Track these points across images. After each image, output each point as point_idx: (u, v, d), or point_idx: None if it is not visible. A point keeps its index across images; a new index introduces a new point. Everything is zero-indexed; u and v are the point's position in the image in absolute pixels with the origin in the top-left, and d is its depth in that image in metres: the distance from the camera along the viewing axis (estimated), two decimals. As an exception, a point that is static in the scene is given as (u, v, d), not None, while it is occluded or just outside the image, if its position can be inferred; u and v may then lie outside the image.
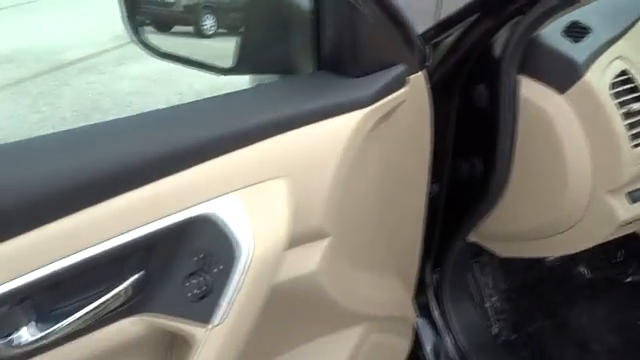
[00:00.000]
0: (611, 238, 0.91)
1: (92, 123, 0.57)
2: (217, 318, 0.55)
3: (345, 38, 0.64)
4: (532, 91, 0.81)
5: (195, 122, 0.59)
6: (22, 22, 5.16)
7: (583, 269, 1.29)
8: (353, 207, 0.71)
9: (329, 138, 0.62)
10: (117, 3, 0.72)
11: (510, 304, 1.25)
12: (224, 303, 0.55)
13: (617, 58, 0.83)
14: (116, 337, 0.56)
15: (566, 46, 0.79)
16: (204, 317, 0.55)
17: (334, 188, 0.64)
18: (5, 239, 0.45)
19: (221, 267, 0.55)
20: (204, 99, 0.63)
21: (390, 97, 0.67)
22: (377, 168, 0.72)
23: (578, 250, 0.93)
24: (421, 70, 0.74)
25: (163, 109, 0.61)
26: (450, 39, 0.88)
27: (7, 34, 4.81)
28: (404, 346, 1.02)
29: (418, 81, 0.73)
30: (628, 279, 1.26)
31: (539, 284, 1.26)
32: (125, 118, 0.59)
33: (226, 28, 0.88)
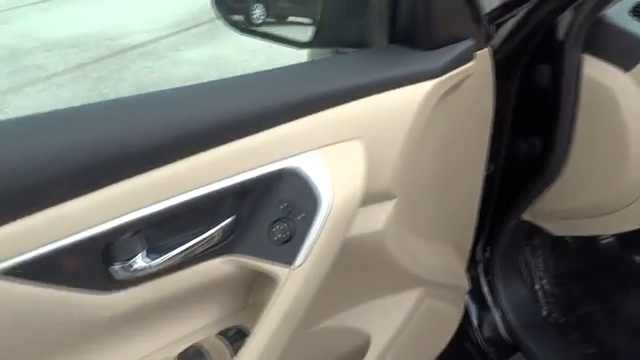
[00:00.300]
0: None
1: (191, 84, 0.63)
2: (298, 261, 0.61)
3: (419, 12, 0.68)
4: (596, 70, 0.83)
5: (281, 85, 0.65)
6: (84, 9, 5.39)
7: (636, 256, 1.28)
8: (418, 173, 0.75)
9: (401, 106, 0.67)
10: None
11: (560, 288, 1.26)
12: (305, 248, 0.61)
13: None
14: (207, 274, 0.63)
15: (634, 25, 0.81)
16: (287, 259, 0.61)
17: (403, 153, 0.68)
18: (128, 177, 0.52)
19: (303, 215, 0.60)
20: (287, 66, 0.69)
21: (458, 70, 0.71)
22: (441, 139, 0.76)
23: (633, 228, 0.95)
24: (486, 47, 0.78)
25: (250, 74, 0.67)
26: (514, 19, 0.91)
27: (70, 20, 5.04)
28: (456, 315, 1.05)
29: (484, 57, 0.77)
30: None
31: (590, 270, 1.26)
32: (219, 80, 0.65)
33: (275, 17, 0.94)
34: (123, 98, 0.58)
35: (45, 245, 0.48)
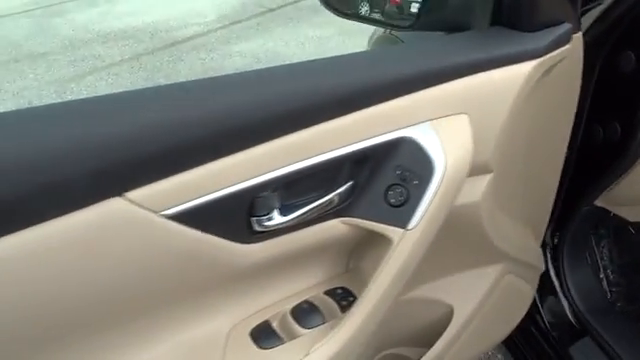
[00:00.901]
0: None
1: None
2: (412, 223, 0.65)
3: None
4: None
5: (395, 62, 0.71)
6: (137, 3, 5.55)
7: None
8: (512, 151, 0.80)
9: (504, 84, 0.72)
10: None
11: (624, 278, 1.27)
12: (419, 211, 0.65)
13: None
14: (323, 234, 0.69)
15: None
16: (401, 222, 0.66)
17: (502, 130, 0.73)
18: (269, 139, 0.58)
19: (417, 182, 0.66)
20: (396, 46, 0.76)
21: (557, 52, 0.75)
22: (533, 120, 0.80)
23: None
24: (580, 31, 0.82)
25: (366, 52, 0.73)
26: (601, 7, 0.94)
27: (125, 14, 5.21)
28: (529, 294, 1.09)
29: (578, 41, 0.81)
30: None
31: None
32: (336, 57, 0.71)
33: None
34: (253, 71, 0.65)
35: (203, 196, 0.55)
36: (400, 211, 0.66)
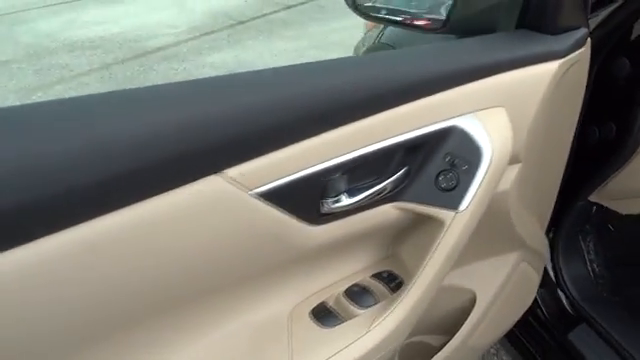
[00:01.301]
0: None
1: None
2: (462, 206, 0.69)
3: (550, 1, 0.80)
4: None
5: (437, 58, 0.76)
6: (103, 13, 5.47)
7: None
8: (536, 143, 0.86)
9: (534, 81, 0.78)
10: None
11: (608, 272, 1.36)
12: (468, 195, 0.69)
13: None
14: (379, 218, 0.72)
15: None
16: (452, 205, 0.70)
17: (532, 122, 0.80)
18: (339, 126, 0.62)
19: (466, 167, 0.70)
20: (438, 43, 0.81)
21: (576, 53, 0.83)
22: (554, 115, 0.86)
23: None
24: (589, 36, 0.90)
25: (409, 49, 0.78)
26: (599, 17, 1.03)
27: (91, 23, 5.12)
28: (537, 281, 1.15)
29: (588, 45, 0.89)
30: None
31: (633, 255, 1.37)
32: (383, 53, 0.76)
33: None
34: (325, 61, 0.69)
35: (285, 177, 0.58)
36: (451, 195, 0.70)
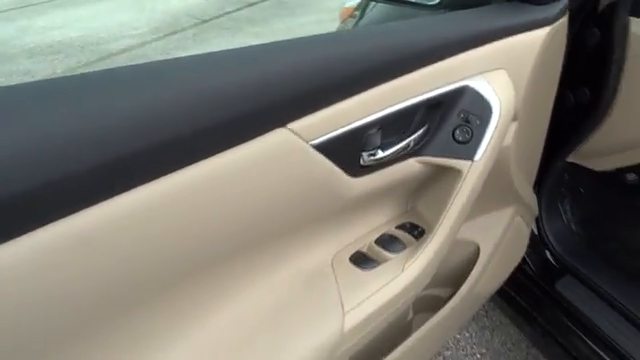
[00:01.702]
0: None
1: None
2: (477, 156, 0.77)
3: None
4: None
5: (447, 26, 0.84)
6: (58, 18, 5.35)
7: None
8: (529, 103, 0.93)
9: (528, 45, 0.86)
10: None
11: (582, 230, 1.47)
12: (482, 146, 0.76)
13: None
14: (404, 171, 0.79)
15: None
16: (468, 155, 0.77)
17: (527, 83, 0.88)
18: (376, 85, 0.68)
19: (479, 122, 0.78)
20: (445, 14, 0.89)
21: (560, 21, 0.93)
22: (542, 77, 0.94)
23: None
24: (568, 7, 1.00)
25: (419, 19, 0.86)
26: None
27: (50, 27, 5.00)
28: (527, 235, 1.25)
29: (567, 14, 1.00)
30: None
31: (603, 215, 1.50)
32: (398, 23, 0.83)
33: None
34: (358, 29, 0.76)
35: (336, 129, 0.64)
36: (467, 147, 0.77)
